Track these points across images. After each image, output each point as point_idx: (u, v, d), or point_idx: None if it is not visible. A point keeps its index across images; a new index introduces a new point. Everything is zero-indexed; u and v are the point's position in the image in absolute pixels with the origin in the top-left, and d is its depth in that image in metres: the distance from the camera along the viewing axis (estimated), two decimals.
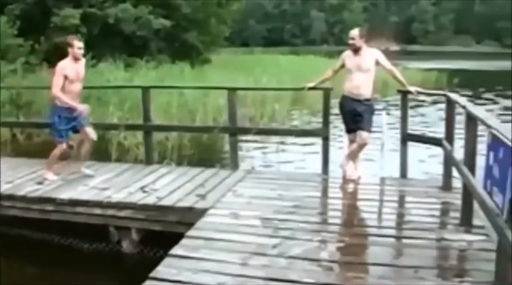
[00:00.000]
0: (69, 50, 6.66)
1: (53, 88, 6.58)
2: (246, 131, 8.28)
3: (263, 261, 4.24)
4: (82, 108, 6.70)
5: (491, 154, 3.71)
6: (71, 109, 6.64)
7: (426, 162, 8.89)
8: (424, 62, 39.83)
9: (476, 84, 27.22)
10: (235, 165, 7.48)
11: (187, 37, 23.41)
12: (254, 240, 4.68)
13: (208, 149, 10.65)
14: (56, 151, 6.91)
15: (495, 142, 3.63)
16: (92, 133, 6.91)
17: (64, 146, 6.91)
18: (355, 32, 6.49)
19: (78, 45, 6.65)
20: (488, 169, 3.76)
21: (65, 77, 6.56)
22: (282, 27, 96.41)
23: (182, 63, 20.40)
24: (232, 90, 7.46)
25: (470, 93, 22.56)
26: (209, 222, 5.22)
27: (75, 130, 6.95)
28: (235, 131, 7.55)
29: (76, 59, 6.68)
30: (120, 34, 20.60)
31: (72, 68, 6.64)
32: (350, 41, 6.49)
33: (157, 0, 21.71)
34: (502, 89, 24.84)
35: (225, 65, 23.01)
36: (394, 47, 73.01)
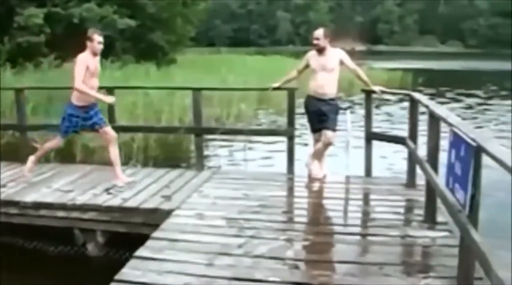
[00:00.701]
0: (88, 44, 6.34)
1: (75, 81, 6.17)
2: (211, 131, 8.26)
3: (228, 261, 4.22)
4: (110, 99, 6.57)
5: (453, 152, 3.76)
6: (86, 108, 6.39)
7: (390, 159, 9.01)
8: (389, 62, 40.36)
9: (440, 83, 27.70)
10: (200, 166, 7.46)
11: (152, 37, 23.20)
12: (219, 240, 4.67)
13: (174, 150, 10.58)
14: (49, 144, 6.76)
15: (457, 140, 3.69)
16: (111, 132, 6.65)
17: (61, 142, 6.78)
18: (319, 32, 6.52)
19: (98, 39, 6.37)
20: (450, 166, 3.81)
21: (86, 69, 6.24)
22: (248, 27, 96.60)
23: (147, 63, 20.20)
24: (196, 90, 7.43)
25: (434, 92, 22.94)
26: (174, 223, 5.18)
27: (83, 129, 6.71)
28: (200, 131, 7.52)
29: (94, 54, 6.38)
30: (84, 33, 20.29)
31: (92, 62, 6.34)
32: (315, 41, 6.52)
33: (122, 0, 21.48)
34: (465, 88, 25.32)
35: (191, 65, 22.89)
36: (360, 47, 73.90)
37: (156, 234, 4.86)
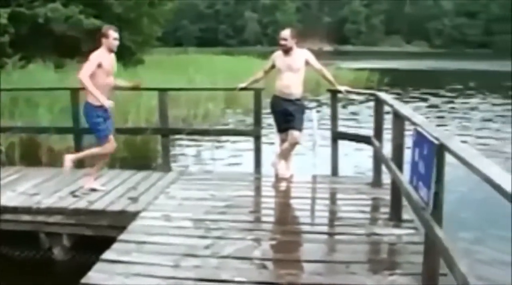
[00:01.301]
0: (103, 40, 6.12)
1: (81, 72, 5.92)
2: (178, 132, 8.23)
3: (195, 262, 4.21)
4: (108, 103, 6.04)
5: (417, 150, 3.82)
6: (105, 108, 6.11)
7: (357, 158, 9.09)
8: (356, 62, 40.73)
9: (406, 83, 28.10)
10: (167, 167, 7.42)
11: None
12: (186, 242, 4.65)
13: (141, 151, 10.47)
14: (101, 151, 6.32)
15: (420, 139, 3.74)
16: (113, 142, 6.36)
17: (111, 147, 6.35)
18: (286, 33, 6.53)
19: (114, 35, 6.16)
20: (414, 164, 3.86)
21: (99, 66, 5.98)
22: (216, 27, 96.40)
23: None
24: (162, 90, 7.39)
25: (400, 91, 23.24)
26: (141, 225, 5.14)
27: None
28: (166, 132, 7.48)
29: (110, 50, 6.18)
30: (50, 34, 19.96)
31: (108, 59, 6.12)
32: (282, 42, 6.53)
33: (88, 0, 21.22)
34: (430, 87, 25.72)
35: (158, 65, 22.73)
36: (327, 47, 74.42)
37: (122, 236, 4.82)
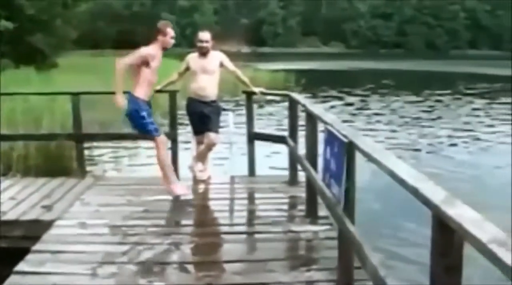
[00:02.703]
0: (159, 38, 5.87)
1: (121, 59, 5.75)
2: (92, 137, 8.03)
3: (113, 269, 4.13)
4: (121, 101, 5.81)
5: (328, 149, 3.92)
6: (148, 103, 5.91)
7: (274, 158, 9.23)
8: (273, 63, 41.20)
9: (323, 83, 28.74)
10: (82, 173, 7.23)
11: (32, 40, 22.19)
12: (103, 249, 4.55)
13: (56, 157, 10.17)
14: (162, 150, 5.96)
15: (331, 137, 3.85)
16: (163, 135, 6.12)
17: (164, 141, 6.01)
18: (207, 35, 6.51)
19: (171, 33, 5.93)
20: (326, 162, 3.97)
21: (147, 64, 5.76)
22: (133, 29, 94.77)
23: (27, 67, 19.31)
24: (75, 95, 7.21)
25: (316, 91, 23.76)
26: (56, 234, 4.99)
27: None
28: (80, 137, 7.29)
29: (164, 48, 5.93)
30: None
31: (158, 57, 5.90)
32: (204, 44, 6.47)
33: None
34: (346, 86, 26.45)
35: (74, 68, 22.14)
36: (245, 49, 74.83)
37: (37, 247, 4.65)
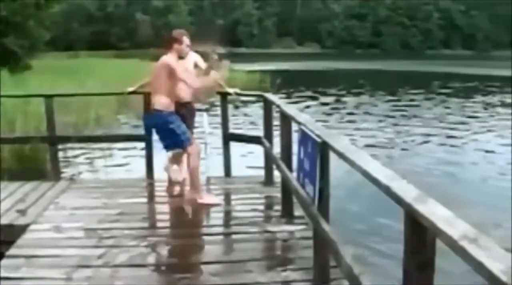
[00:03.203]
0: (175, 46, 5.74)
1: (193, 83, 5.67)
2: (66, 139, 7.94)
3: (88, 273, 4.09)
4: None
5: (302, 149, 3.95)
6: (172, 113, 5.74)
7: (249, 157, 9.24)
8: (249, 64, 41.16)
9: (298, 83, 28.88)
10: (57, 176, 7.15)
11: (4, 42, 21.87)
12: (78, 253, 4.51)
13: (30, 161, 10.05)
14: (195, 160, 5.76)
15: (305, 137, 3.88)
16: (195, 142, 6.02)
17: (196, 150, 5.82)
18: (187, 38, 6.48)
19: (187, 42, 5.86)
20: (300, 162, 4.00)
21: (170, 75, 5.60)
22: (108, 30, 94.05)
23: (0, 69, 19.03)
24: (48, 97, 7.12)
25: (292, 91, 23.86)
26: (30, 238, 4.92)
27: None
28: (54, 140, 7.21)
29: (180, 57, 5.81)
30: None
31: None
32: (189, 49, 6.48)
33: None
34: (321, 86, 26.61)
35: (47, 70, 21.88)
36: (221, 50, 74.72)
37: (11, 251, 4.59)
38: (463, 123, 16.06)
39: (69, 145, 10.10)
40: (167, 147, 5.93)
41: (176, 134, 5.66)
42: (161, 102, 5.65)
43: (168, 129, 5.67)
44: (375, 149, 11.30)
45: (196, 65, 6.55)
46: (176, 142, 5.76)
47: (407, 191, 2.20)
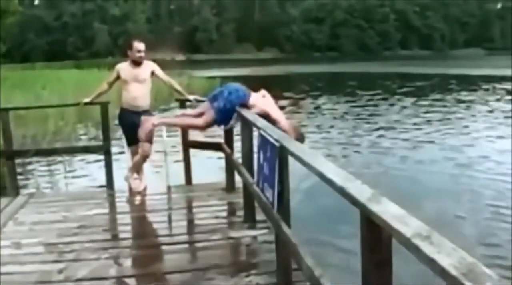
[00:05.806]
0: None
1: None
2: (23, 153, 7.79)
3: None
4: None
5: (261, 153, 3.97)
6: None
7: (210, 163, 9.22)
8: (208, 70, 41.24)
9: (258, 88, 28.85)
10: (15, 191, 6.99)
11: None
12: (38, 268, 4.41)
13: None
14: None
15: (263, 142, 3.90)
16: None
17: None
18: (142, 45, 6.49)
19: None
20: (260, 167, 4.02)
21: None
22: (65, 40, 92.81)
23: None
24: (4, 110, 6.98)
25: None
26: None
27: None
28: (10, 154, 7.05)
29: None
30: None
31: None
32: (142, 54, 6.47)
33: None
34: (281, 90, 26.74)
35: (2, 82, 21.43)
36: (180, 57, 74.42)
37: None
38: (419, 122, 16.33)
39: (28, 160, 9.93)
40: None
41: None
42: None
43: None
44: (332, 150, 11.34)
45: (153, 74, 6.54)
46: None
47: (362, 192, 2.22)
